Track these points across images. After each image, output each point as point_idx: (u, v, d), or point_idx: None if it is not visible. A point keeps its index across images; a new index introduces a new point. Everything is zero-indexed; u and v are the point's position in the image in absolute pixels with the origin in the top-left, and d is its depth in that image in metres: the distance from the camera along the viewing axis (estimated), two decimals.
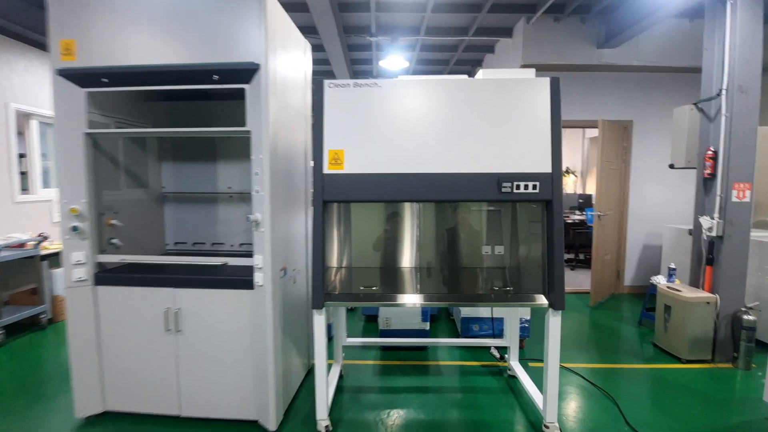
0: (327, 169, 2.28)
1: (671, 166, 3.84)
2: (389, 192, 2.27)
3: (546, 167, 2.26)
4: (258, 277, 2.34)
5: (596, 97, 5.41)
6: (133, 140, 2.93)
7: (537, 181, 2.24)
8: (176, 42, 2.27)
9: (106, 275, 2.52)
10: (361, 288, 2.41)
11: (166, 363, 2.51)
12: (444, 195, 2.28)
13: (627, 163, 5.40)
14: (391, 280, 2.57)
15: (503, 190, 2.24)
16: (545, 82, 2.29)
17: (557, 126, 2.27)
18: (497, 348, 3.50)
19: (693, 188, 5.69)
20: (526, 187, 2.24)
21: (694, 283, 3.74)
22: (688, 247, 4.71)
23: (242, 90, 2.29)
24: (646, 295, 4.37)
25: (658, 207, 5.53)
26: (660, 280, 4.22)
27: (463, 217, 2.62)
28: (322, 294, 2.27)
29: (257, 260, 2.33)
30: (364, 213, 2.60)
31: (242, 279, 2.39)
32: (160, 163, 3.19)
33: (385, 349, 3.69)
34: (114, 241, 2.66)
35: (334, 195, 2.28)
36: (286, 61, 2.62)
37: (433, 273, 2.59)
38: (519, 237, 2.52)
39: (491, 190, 2.25)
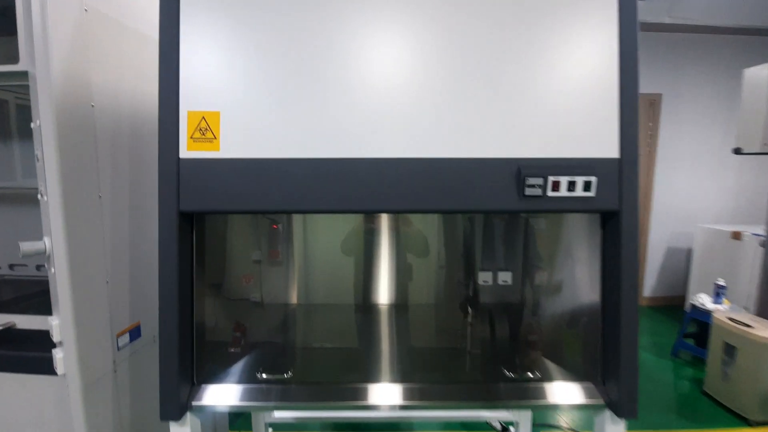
0: (186, 151, 1.16)
1: (737, 152, 2.80)
2: (303, 197, 1.15)
3: (609, 149, 1.18)
4: (57, 358, 1.22)
5: None
6: None
7: (592, 174, 1.16)
8: None
9: None
10: (262, 376, 1.31)
11: None
12: (413, 203, 1.18)
13: (653, 148, 4.37)
14: (318, 345, 1.49)
15: (528, 192, 1.15)
16: None
17: (632, 76, 1.18)
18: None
19: (731, 178, 4.82)
20: (571, 186, 1.16)
21: (763, 312, 2.75)
22: (729, 253, 3.76)
23: None
24: (685, 319, 3.38)
25: (687, 202, 4.55)
26: (705, 301, 3.23)
27: (447, 224, 1.56)
28: (177, 393, 1.17)
29: (53, 325, 1.21)
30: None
31: (39, 357, 1.28)
32: None
33: None
34: None
35: (201, 201, 1.16)
36: None
37: (394, 329, 1.52)
38: (536, 254, 1.46)
39: (505, 191, 1.17)
